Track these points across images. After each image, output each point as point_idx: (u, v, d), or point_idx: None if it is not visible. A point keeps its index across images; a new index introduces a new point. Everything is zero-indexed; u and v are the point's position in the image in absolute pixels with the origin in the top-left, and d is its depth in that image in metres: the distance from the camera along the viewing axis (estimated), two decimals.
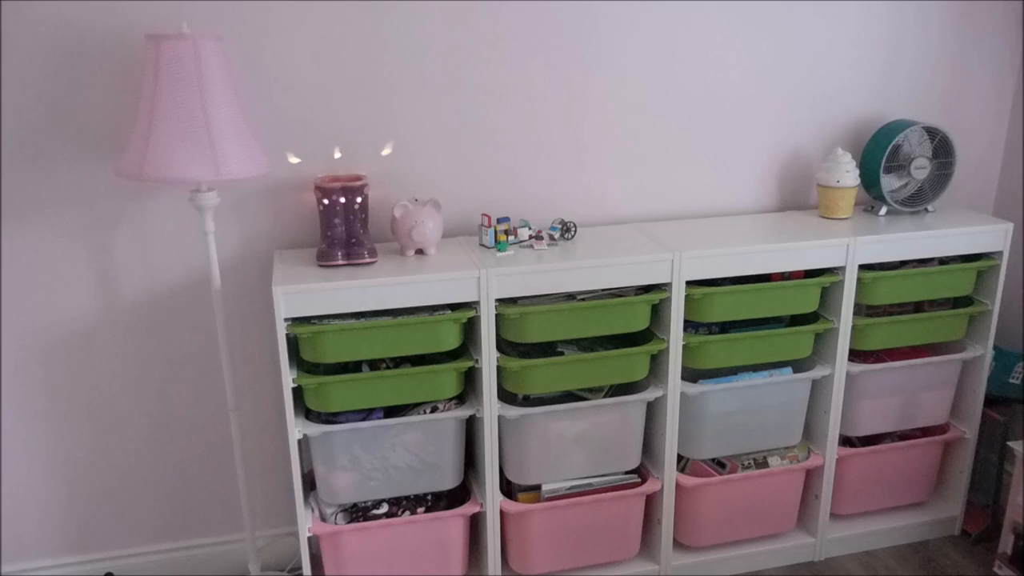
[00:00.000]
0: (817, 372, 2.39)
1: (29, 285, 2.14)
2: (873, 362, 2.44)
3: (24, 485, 2.28)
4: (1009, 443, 2.43)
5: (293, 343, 2.03)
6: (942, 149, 2.48)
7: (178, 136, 1.84)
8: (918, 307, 2.52)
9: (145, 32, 1.98)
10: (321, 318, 2.01)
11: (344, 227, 2.08)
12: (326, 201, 2.06)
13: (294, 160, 2.19)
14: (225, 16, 2.05)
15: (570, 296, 2.16)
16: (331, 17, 2.12)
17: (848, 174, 2.42)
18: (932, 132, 2.47)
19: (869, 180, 2.48)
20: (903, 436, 2.61)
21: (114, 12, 1.99)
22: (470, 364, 2.12)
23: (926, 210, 2.54)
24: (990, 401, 2.61)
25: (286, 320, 1.96)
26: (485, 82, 2.27)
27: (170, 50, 1.84)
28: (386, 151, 2.24)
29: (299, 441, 2.06)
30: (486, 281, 2.04)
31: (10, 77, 1.99)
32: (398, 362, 2.15)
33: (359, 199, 2.08)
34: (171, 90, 1.84)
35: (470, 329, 2.15)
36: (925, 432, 2.60)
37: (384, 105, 2.22)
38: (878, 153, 2.44)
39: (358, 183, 2.08)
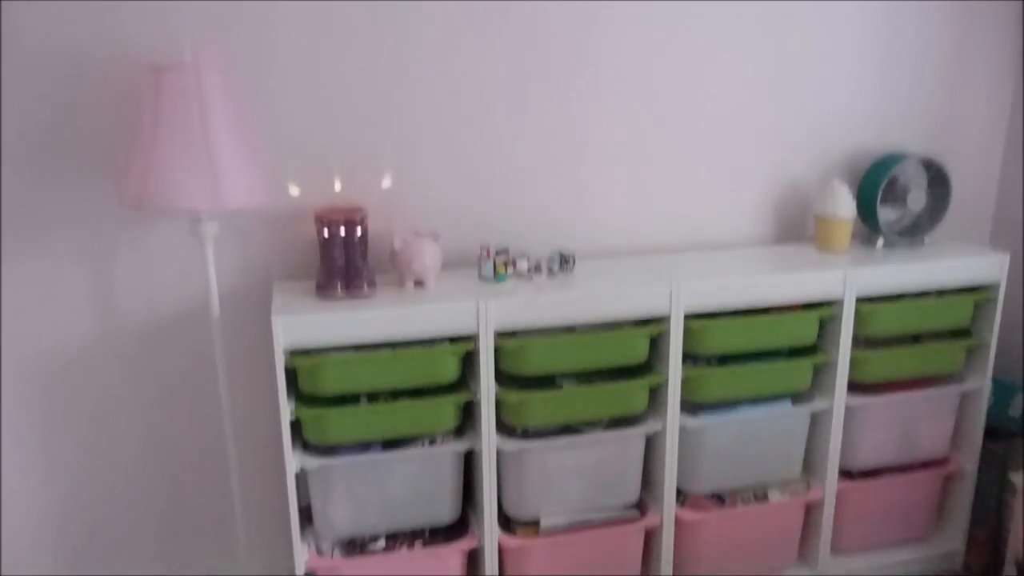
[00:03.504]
0: (816, 404, 2.38)
1: (28, 310, 2.13)
2: (872, 394, 2.43)
3: (19, 509, 2.25)
4: (1010, 475, 2.42)
5: (291, 374, 2.02)
6: (938, 181, 2.50)
7: (179, 165, 1.85)
8: (916, 339, 2.52)
9: (148, 62, 1.99)
10: (320, 350, 2.00)
11: (344, 258, 2.08)
12: (326, 232, 2.06)
13: (295, 191, 2.19)
14: (227, 46, 2.07)
15: (569, 328, 2.16)
16: (332, 49, 2.14)
17: (845, 206, 2.43)
18: (928, 165, 2.49)
19: (866, 212, 2.49)
20: (903, 469, 2.60)
21: (117, 39, 2.01)
22: (468, 397, 2.11)
23: (923, 241, 2.55)
24: (990, 433, 2.60)
25: (285, 351, 1.95)
26: (484, 114, 2.29)
27: (172, 80, 1.85)
28: (386, 183, 2.25)
29: (296, 474, 2.04)
30: (485, 312, 2.04)
31: (14, 103, 2.00)
32: (396, 394, 2.13)
33: (359, 230, 2.08)
34: (173, 120, 1.85)
35: (469, 361, 2.14)
36: (925, 465, 2.59)
37: (384, 137, 2.23)
38: (874, 185, 2.45)
39: (358, 215, 2.09)
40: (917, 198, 2.49)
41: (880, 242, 2.52)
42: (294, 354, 1.97)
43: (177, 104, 1.85)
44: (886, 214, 2.49)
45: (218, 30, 2.06)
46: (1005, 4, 2.62)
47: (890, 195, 2.48)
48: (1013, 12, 2.63)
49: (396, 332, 2.01)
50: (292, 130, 2.17)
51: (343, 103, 2.18)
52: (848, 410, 2.40)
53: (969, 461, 2.57)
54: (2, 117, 2.00)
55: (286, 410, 1.98)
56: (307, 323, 1.96)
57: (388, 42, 2.17)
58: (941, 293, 2.44)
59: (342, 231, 2.06)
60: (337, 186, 2.22)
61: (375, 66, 2.18)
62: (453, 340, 2.08)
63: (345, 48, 2.15)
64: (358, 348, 2.03)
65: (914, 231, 2.53)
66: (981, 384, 2.50)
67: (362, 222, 2.09)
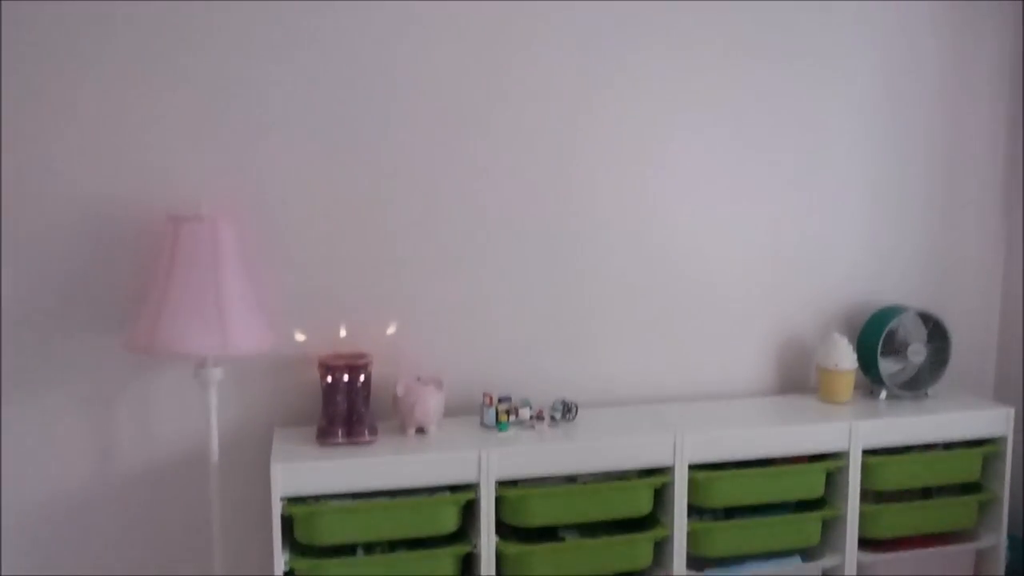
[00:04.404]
0: (827, 561, 2.31)
1: (28, 454, 2.12)
2: (884, 551, 2.35)
3: None
4: None
5: (288, 523, 1.98)
6: (937, 334, 2.52)
7: (190, 312, 1.90)
8: (926, 494, 2.46)
9: (167, 213, 2.06)
10: (318, 498, 1.97)
11: (346, 404, 2.08)
12: (330, 378, 2.08)
13: (300, 337, 2.22)
14: (240, 197, 2.16)
15: (571, 478, 2.13)
16: (340, 201, 2.23)
17: (846, 358, 2.44)
18: (926, 317, 2.52)
19: (867, 364, 2.50)
20: None
21: (131, 190, 2.10)
22: (468, 549, 2.05)
23: (926, 394, 2.54)
24: None
25: (282, 499, 1.93)
26: (488, 263, 2.35)
27: (189, 231, 1.93)
28: (390, 330, 2.28)
29: None
30: (487, 461, 2.02)
31: (21, 248, 2.07)
32: (394, 545, 2.08)
33: (362, 376, 2.10)
34: (187, 268, 1.92)
35: (469, 512, 2.09)
36: None
37: (389, 285, 2.29)
38: (874, 338, 2.47)
39: (362, 361, 2.11)
40: (917, 351, 2.50)
41: (883, 394, 2.51)
42: (291, 502, 1.94)
43: (192, 253, 1.92)
44: (887, 366, 2.50)
45: (232, 182, 2.16)
46: (995, 156, 2.73)
47: (890, 347, 2.50)
48: (1005, 162, 2.74)
49: (396, 480, 1.99)
50: (300, 278, 2.23)
51: (350, 253, 2.25)
52: (860, 567, 2.32)
53: None
54: (4, 262, 2.06)
55: (280, 561, 1.93)
56: (306, 471, 1.94)
57: (394, 193, 2.27)
58: (948, 446, 2.41)
59: (345, 377, 2.08)
60: (342, 332, 2.25)
61: (381, 217, 2.27)
62: (453, 489, 2.05)
63: (353, 200, 2.24)
64: (357, 496, 2.00)
65: (916, 383, 2.54)
66: (996, 541, 2.43)
67: (366, 368, 2.11)
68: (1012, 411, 2.41)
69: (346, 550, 2.03)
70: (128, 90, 2.09)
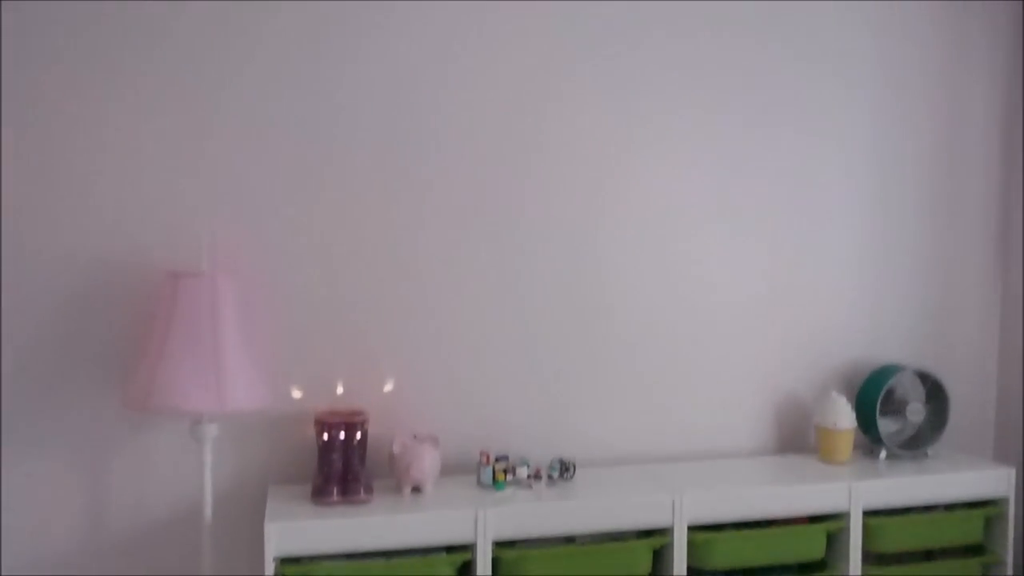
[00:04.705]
0: None
1: (22, 510, 2.10)
2: None
3: None
4: None
5: None
6: (935, 393, 2.52)
7: (187, 368, 1.89)
8: (929, 556, 2.43)
9: (167, 269, 2.08)
10: (312, 558, 1.94)
11: (342, 462, 2.07)
12: (326, 436, 2.06)
13: (297, 394, 2.21)
14: (238, 253, 2.17)
15: (569, 539, 2.10)
16: (338, 258, 2.25)
17: (845, 417, 2.44)
18: (924, 376, 2.52)
19: (866, 423, 2.49)
20: None
21: (130, 246, 2.12)
22: None
23: (926, 454, 2.52)
24: None
25: (276, 558, 1.90)
26: (486, 322, 2.36)
27: (188, 287, 1.93)
28: (387, 387, 2.27)
29: None
30: (484, 521, 1.99)
31: (21, 306, 2.07)
32: None
33: (358, 434, 2.08)
34: (185, 325, 1.91)
35: (465, 572, 2.06)
36: None
37: (386, 343, 2.29)
38: (872, 397, 2.47)
39: (358, 418, 2.10)
40: (916, 410, 2.50)
41: (883, 454, 2.50)
42: (285, 562, 1.91)
43: (191, 309, 1.92)
44: (886, 426, 2.49)
45: (230, 239, 2.17)
46: (990, 213, 2.77)
47: (889, 407, 2.49)
48: (999, 219, 2.78)
49: (392, 540, 1.96)
50: (297, 334, 2.23)
51: (347, 310, 2.26)
52: None
53: None
54: (3, 318, 2.07)
55: None
56: (300, 530, 1.92)
57: (391, 252, 2.29)
58: (949, 507, 2.39)
59: (342, 435, 2.06)
60: (339, 389, 2.24)
61: (378, 275, 2.28)
62: (450, 550, 2.02)
63: (350, 258, 2.26)
64: (352, 556, 1.96)
65: (916, 443, 2.52)
66: None
67: (362, 426, 2.10)
68: (1013, 471, 2.40)
69: None
70: (127, 144, 2.12)
